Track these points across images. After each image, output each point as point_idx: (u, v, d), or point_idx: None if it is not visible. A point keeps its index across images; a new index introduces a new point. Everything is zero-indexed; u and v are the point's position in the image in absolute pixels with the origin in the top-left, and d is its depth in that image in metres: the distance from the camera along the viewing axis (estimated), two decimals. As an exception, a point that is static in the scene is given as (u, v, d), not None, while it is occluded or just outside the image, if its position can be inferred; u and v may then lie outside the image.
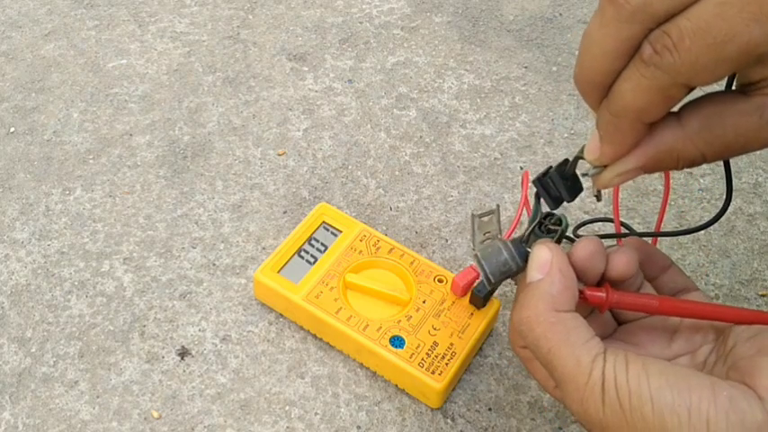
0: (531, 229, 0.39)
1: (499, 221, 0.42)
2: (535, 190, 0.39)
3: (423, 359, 0.47)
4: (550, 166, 0.39)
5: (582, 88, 0.33)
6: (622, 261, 0.37)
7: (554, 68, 0.69)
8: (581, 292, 0.36)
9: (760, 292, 0.54)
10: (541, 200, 0.39)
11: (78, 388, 0.48)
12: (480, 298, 0.49)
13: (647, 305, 0.37)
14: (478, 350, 0.50)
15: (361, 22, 0.73)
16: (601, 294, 0.37)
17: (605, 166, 0.35)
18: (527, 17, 0.74)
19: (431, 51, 0.71)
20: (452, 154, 0.62)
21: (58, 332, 0.51)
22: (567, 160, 0.39)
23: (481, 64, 0.69)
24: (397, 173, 0.61)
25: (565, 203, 0.40)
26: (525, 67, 0.69)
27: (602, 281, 0.38)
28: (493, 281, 0.38)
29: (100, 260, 0.55)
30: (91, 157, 0.61)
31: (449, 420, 0.48)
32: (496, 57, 0.70)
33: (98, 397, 0.48)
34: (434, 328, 0.48)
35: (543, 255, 0.36)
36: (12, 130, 0.63)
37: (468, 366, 0.50)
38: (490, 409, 0.48)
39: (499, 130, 0.64)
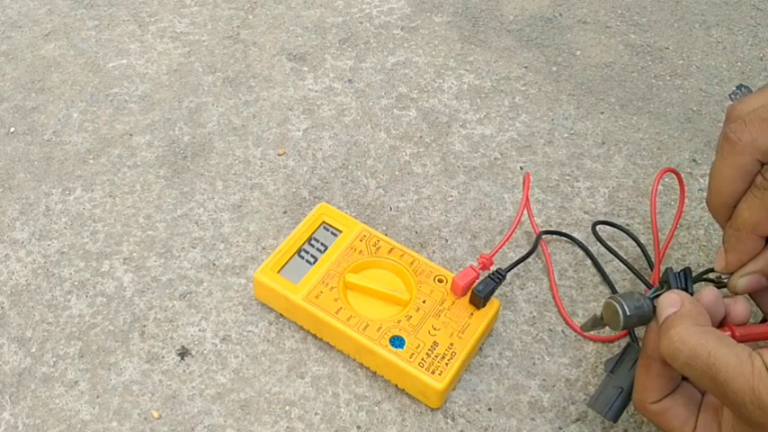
0: (657, 293, 0.43)
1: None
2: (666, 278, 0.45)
3: (423, 359, 0.47)
4: (689, 268, 0.46)
5: (713, 209, 0.44)
6: (743, 309, 0.42)
7: (554, 68, 0.69)
8: None
9: (760, 292, 0.54)
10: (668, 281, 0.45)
11: (78, 388, 0.48)
12: (481, 298, 0.49)
13: None
14: (478, 350, 0.50)
15: (361, 22, 0.73)
16: (728, 333, 0.41)
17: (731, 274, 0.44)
18: (527, 17, 0.74)
19: (431, 51, 0.71)
20: (452, 154, 0.62)
21: (58, 332, 0.51)
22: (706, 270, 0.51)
23: (481, 64, 0.69)
24: (397, 173, 0.61)
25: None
26: (525, 67, 0.69)
27: (722, 323, 0.43)
28: (629, 312, 0.42)
29: (100, 260, 0.55)
30: (91, 157, 0.61)
31: (449, 420, 0.48)
32: (496, 57, 0.70)
33: (98, 397, 0.48)
34: (434, 328, 0.48)
35: (673, 296, 0.41)
36: (12, 130, 0.63)
37: (468, 366, 0.50)
38: (490, 409, 0.48)
39: (499, 130, 0.64)
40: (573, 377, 0.50)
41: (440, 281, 0.51)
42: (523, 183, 0.53)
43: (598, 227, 0.57)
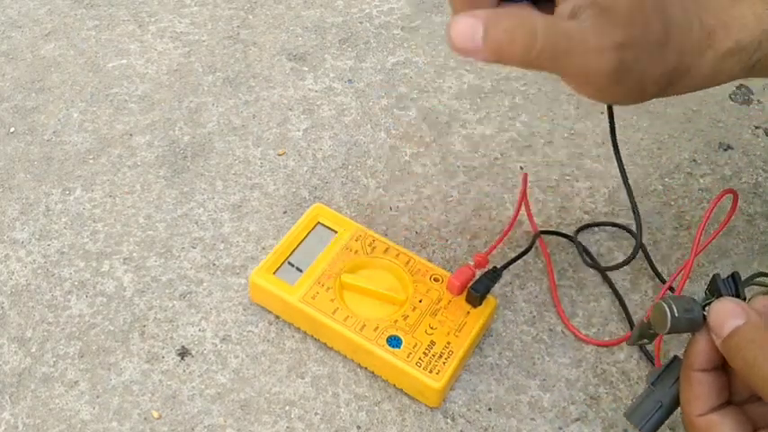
0: (709, 302, 0.41)
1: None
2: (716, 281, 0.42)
3: (420, 358, 0.47)
4: (737, 272, 0.43)
5: None
6: None
7: (554, 68, 0.69)
8: None
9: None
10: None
11: (78, 388, 0.49)
12: (477, 296, 0.49)
13: None
14: (476, 349, 0.50)
15: (361, 22, 0.73)
16: None
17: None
18: (527, 17, 0.74)
19: (431, 51, 0.71)
20: (452, 154, 0.62)
21: (58, 332, 0.51)
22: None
23: (481, 64, 0.69)
24: (397, 173, 0.61)
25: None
26: (525, 67, 0.69)
27: None
28: (677, 314, 0.40)
29: (100, 260, 0.55)
30: (91, 157, 0.61)
31: (449, 420, 0.48)
32: (496, 56, 0.70)
33: (98, 397, 0.48)
34: (431, 327, 0.48)
35: (731, 305, 0.38)
36: (12, 130, 0.63)
37: (467, 366, 0.50)
38: (490, 409, 0.48)
39: (499, 130, 0.64)
40: (573, 377, 0.50)
41: (436, 280, 0.51)
42: (522, 183, 0.53)
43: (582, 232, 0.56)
